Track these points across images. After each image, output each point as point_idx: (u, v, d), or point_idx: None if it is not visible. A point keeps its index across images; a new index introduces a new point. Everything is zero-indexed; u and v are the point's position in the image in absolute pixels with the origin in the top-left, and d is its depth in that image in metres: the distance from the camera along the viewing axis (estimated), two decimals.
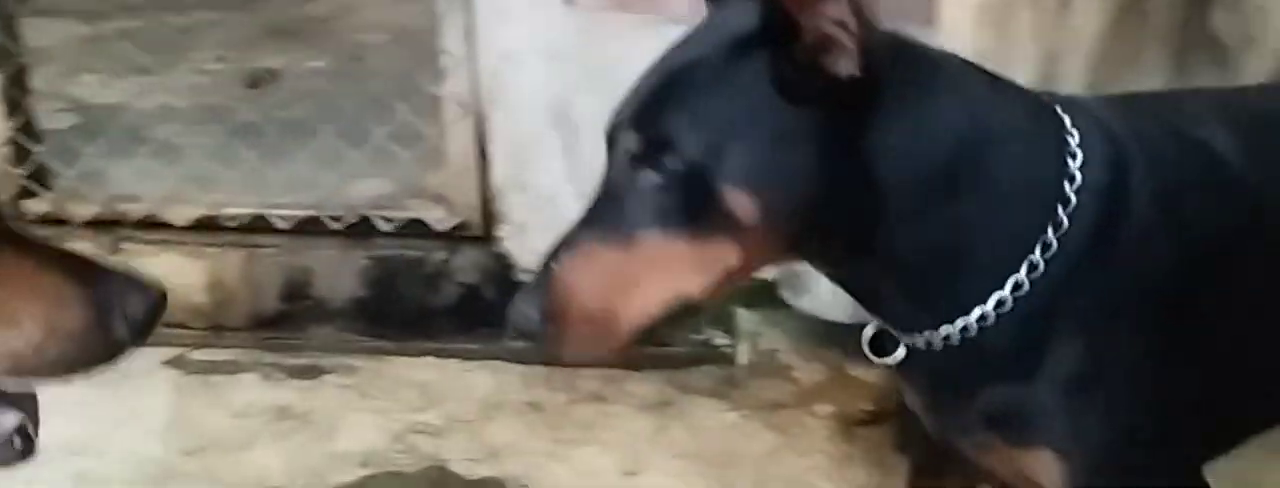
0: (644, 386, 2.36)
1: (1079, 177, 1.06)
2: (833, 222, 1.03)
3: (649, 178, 0.98)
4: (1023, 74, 1.75)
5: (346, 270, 2.57)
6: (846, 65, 0.96)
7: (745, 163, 0.97)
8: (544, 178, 2.46)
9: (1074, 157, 1.07)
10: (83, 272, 0.97)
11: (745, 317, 2.47)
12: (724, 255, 0.97)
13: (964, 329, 1.07)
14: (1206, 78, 1.77)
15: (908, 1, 2.15)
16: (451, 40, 2.36)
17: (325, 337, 2.60)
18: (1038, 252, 1.05)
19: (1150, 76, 1.74)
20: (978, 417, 1.14)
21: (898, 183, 1.02)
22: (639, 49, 2.35)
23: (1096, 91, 1.74)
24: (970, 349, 1.08)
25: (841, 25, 0.95)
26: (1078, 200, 1.06)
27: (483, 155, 2.46)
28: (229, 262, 2.58)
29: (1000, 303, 1.06)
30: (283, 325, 2.61)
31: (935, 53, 1.10)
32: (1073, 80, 1.74)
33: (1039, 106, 1.12)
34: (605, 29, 2.31)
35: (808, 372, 2.25)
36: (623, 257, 0.97)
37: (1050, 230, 1.05)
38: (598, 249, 0.97)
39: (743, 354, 2.38)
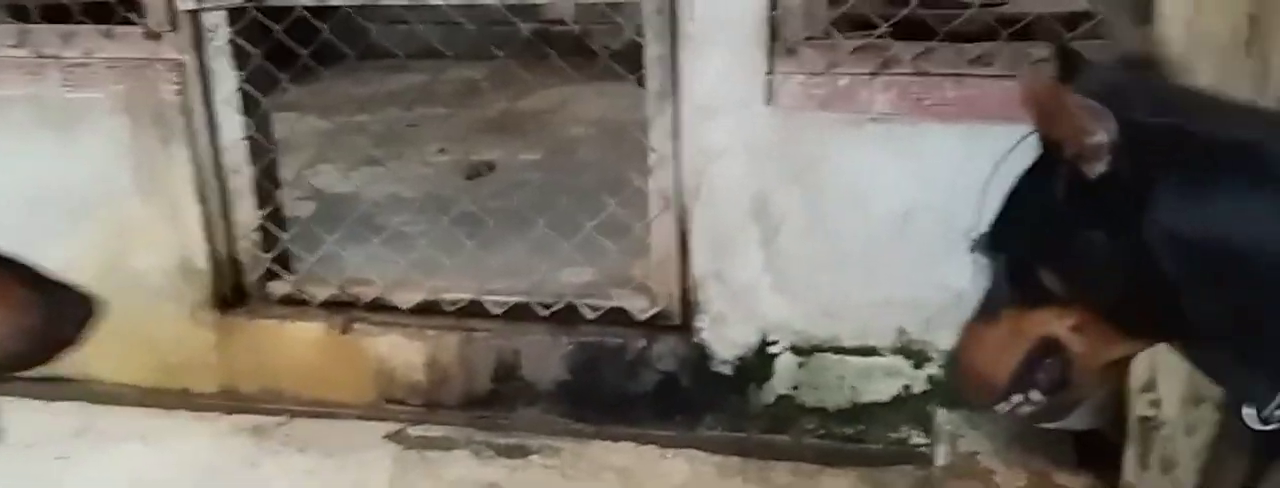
0: (838, 481, 2.35)
1: None
2: (1141, 299, 1.10)
3: (998, 272, 1.24)
4: None
5: (553, 355, 2.69)
6: (1096, 166, 1.07)
7: (1050, 250, 1.14)
8: (742, 271, 2.52)
9: None
10: (35, 280, 1.14)
11: (945, 417, 2.43)
12: (1051, 320, 1.16)
13: None
14: None
15: None
16: (658, 138, 2.47)
17: (531, 418, 2.72)
18: None
19: None
20: None
21: (1181, 266, 1.06)
22: (837, 146, 2.45)
23: None
24: None
25: (1081, 133, 1.05)
26: None
27: (684, 247, 2.54)
28: (446, 343, 2.75)
29: None
30: (493, 405, 2.75)
31: (1216, 139, 1.09)
32: None
33: None
34: (805, 127, 2.37)
35: (1009, 477, 2.19)
36: (989, 328, 1.23)
37: None
38: (976, 324, 1.26)
39: (940, 455, 2.33)
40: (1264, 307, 1.05)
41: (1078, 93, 1.07)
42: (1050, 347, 1.17)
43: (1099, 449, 2.15)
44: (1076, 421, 2.14)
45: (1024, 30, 2.30)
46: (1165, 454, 1.91)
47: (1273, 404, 1.09)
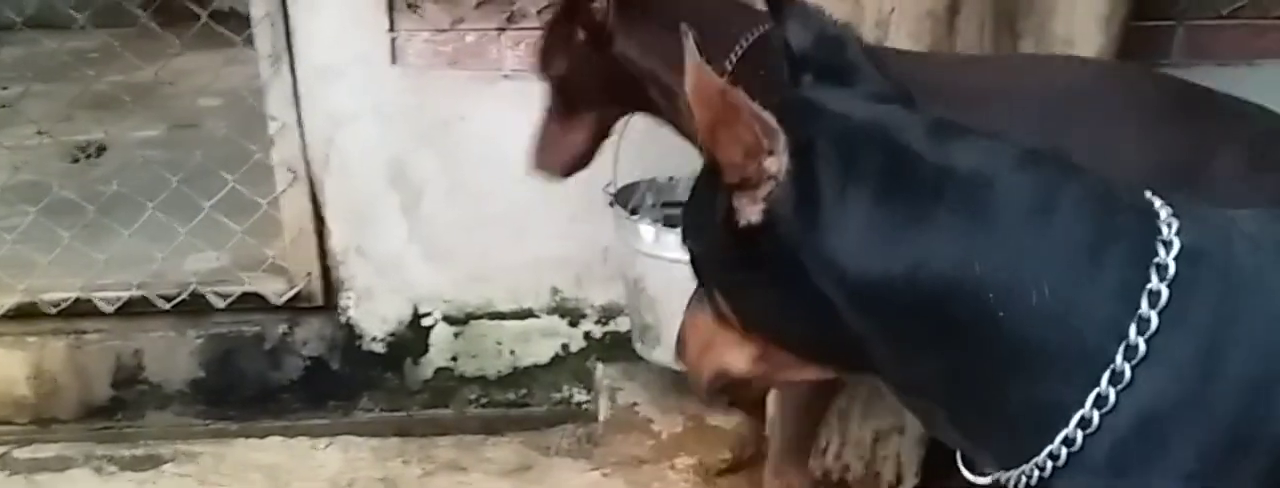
0: (502, 450, 2.29)
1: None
2: (822, 345, 0.94)
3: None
4: None
5: (181, 351, 2.44)
6: (751, 209, 0.87)
7: (717, 277, 0.97)
8: (385, 242, 2.39)
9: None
10: None
11: (604, 371, 2.43)
12: (740, 345, 0.99)
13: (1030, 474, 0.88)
14: None
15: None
16: (277, 105, 2.27)
17: (163, 423, 2.46)
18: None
19: None
20: None
21: (868, 320, 0.88)
22: (471, 105, 2.35)
23: None
24: None
25: (748, 155, 0.85)
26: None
27: (320, 222, 2.37)
28: (52, 350, 2.42)
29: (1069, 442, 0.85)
30: (116, 414, 2.46)
31: (941, 165, 0.87)
32: None
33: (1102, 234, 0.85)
34: (435, 86, 2.27)
35: (666, 424, 2.22)
36: (700, 313, 1.04)
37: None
38: (692, 305, 1.05)
39: (603, 410, 2.33)
40: (975, 370, 0.86)
41: (763, 93, 0.84)
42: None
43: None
44: None
45: None
46: None
47: (990, 474, 0.92)
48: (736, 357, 0.98)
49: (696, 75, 0.84)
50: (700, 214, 0.95)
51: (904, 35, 1.74)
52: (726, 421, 2.22)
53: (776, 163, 0.84)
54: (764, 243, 0.88)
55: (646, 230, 2.12)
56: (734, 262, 0.92)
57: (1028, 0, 1.85)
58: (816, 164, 0.86)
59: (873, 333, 0.88)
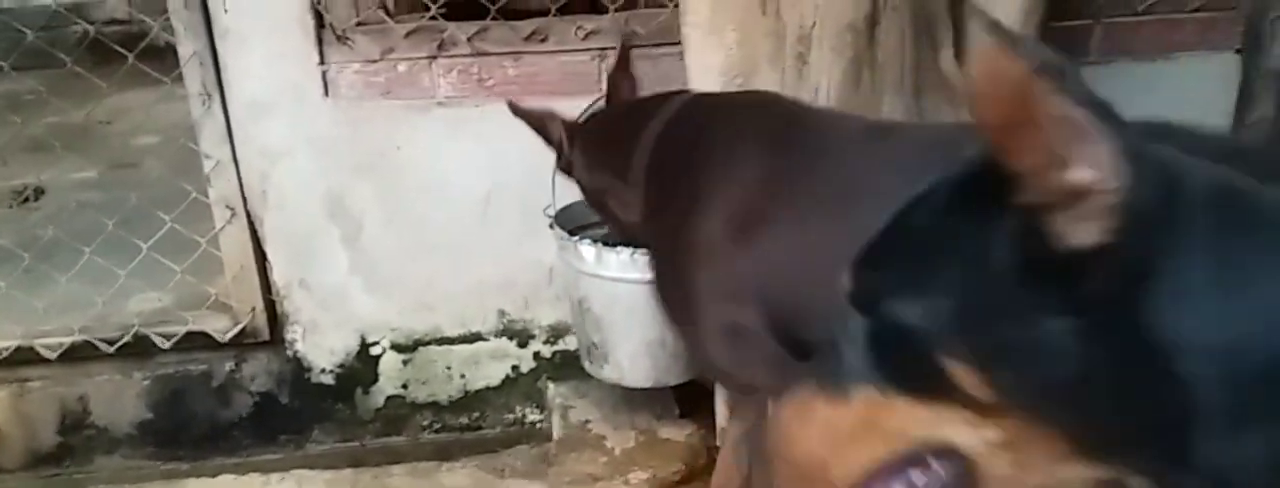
0: (457, 475, 2.30)
1: None
2: (1124, 417, 0.71)
3: (858, 332, 0.80)
4: None
5: (127, 393, 2.42)
6: (1079, 229, 0.67)
7: (972, 334, 0.73)
8: (328, 274, 2.38)
9: None
10: None
11: (555, 390, 2.44)
12: (952, 424, 0.76)
13: None
14: (943, 118, 1.86)
15: (665, 68, 2.21)
16: (210, 142, 2.27)
17: (112, 467, 2.43)
18: None
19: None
20: None
21: (1205, 385, 0.68)
22: (406, 134, 2.36)
23: None
24: None
25: (1058, 164, 0.66)
26: None
27: (261, 257, 2.36)
28: None
29: None
30: (63, 461, 2.43)
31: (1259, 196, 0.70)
32: None
33: None
34: (369, 117, 2.27)
35: (619, 440, 2.24)
36: (829, 405, 0.81)
37: None
38: (807, 395, 0.82)
39: (556, 429, 2.34)
40: None
41: (1066, 93, 0.65)
42: (943, 456, 0.77)
43: (698, 399, 2.25)
44: (672, 375, 2.23)
45: (578, 4, 2.33)
46: None
47: None
48: (963, 437, 0.75)
49: (990, 63, 0.65)
50: (926, 254, 0.76)
51: (827, 49, 1.78)
52: (678, 433, 2.25)
53: (1099, 171, 0.65)
54: (1087, 277, 0.68)
55: (587, 251, 2.13)
56: (1014, 309, 0.71)
57: (946, 9, 1.90)
58: (1162, 175, 0.67)
59: (1210, 401, 0.67)
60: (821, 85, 1.79)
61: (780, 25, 1.80)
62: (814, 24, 1.78)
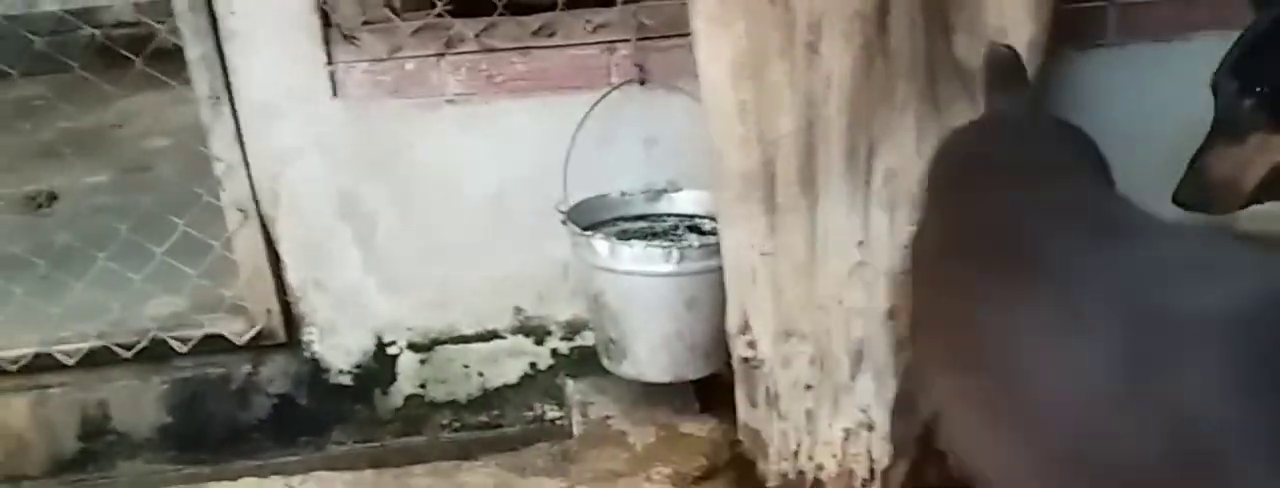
0: (478, 475, 2.28)
1: None
2: None
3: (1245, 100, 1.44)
4: (786, 121, 1.80)
5: (146, 398, 2.42)
6: None
7: None
8: (343, 274, 2.38)
9: None
10: None
11: (574, 387, 2.43)
12: None
13: None
14: (959, 105, 1.84)
15: (674, 60, 2.20)
16: (221, 145, 2.26)
17: (134, 472, 2.44)
18: None
19: (903, 111, 1.80)
20: None
21: None
22: (416, 133, 2.35)
23: (855, 130, 1.80)
24: None
25: None
26: None
27: (275, 259, 2.36)
28: (15, 407, 2.40)
29: None
30: (86, 467, 2.44)
31: None
32: (832, 122, 1.79)
33: None
34: (379, 116, 2.26)
35: (640, 436, 2.23)
36: (1231, 145, 1.43)
37: None
38: (1218, 141, 1.44)
39: (576, 425, 2.33)
40: None
41: None
42: None
43: (718, 394, 2.24)
44: (692, 370, 2.22)
45: None
46: (768, 389, 2.01)
47: None
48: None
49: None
50: None
51: (837, 38, 1.75)
52: (699, 428, 2.23)
53: None
54: None
55: (601, 245, 2.12)
56: None
57: None
58: None
59: None
60: (833, 75, 1.77)
61: (789, 15, 1.78)
62: (823, 13, 1.76)
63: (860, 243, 1.85)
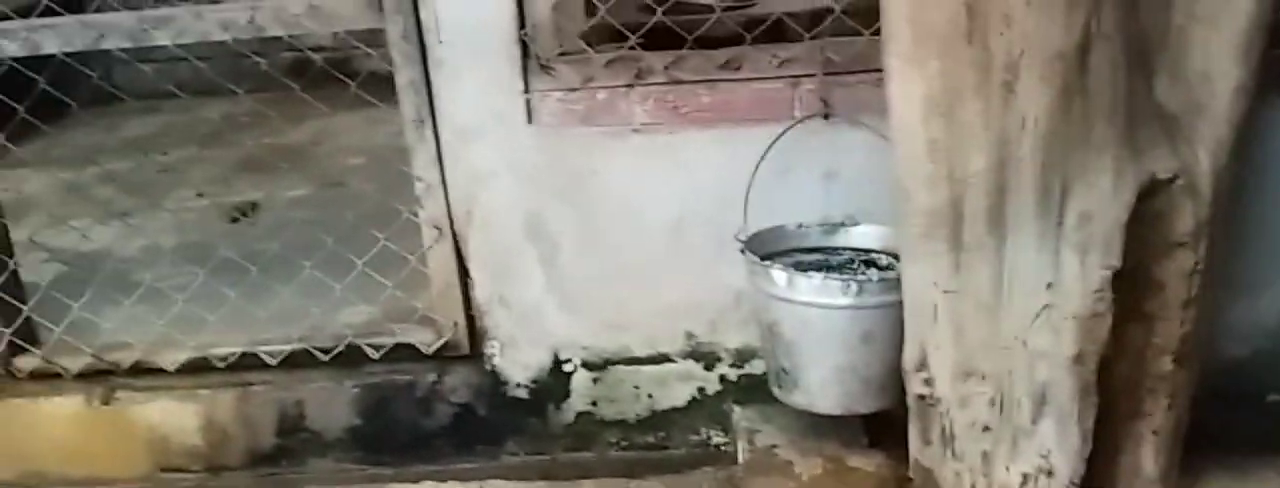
0: None
1: None
2: None
3: None
4: (978, 160, 1.80)
5: (339, 400, 2.58)
6: None
7: None
8: (525, 292, 2.48)
9: None
10: None
11: (741, 414, 2.47)
12: None
13: None
14: (1159, 150, 1.81)
15: (859, 96, 2.22)
16: (422, 166, 2.40)
17: (324, 469, 2.59)
18: None
19: (1101, 153, 1.78)
20: None
21: None
22: (603, 160, 2.44)
23: (1049, 171, 1.79)
24: None
25: None
26: None
27: (464, 275, 2.48)
28: (222, 401, 2.59)
29: None
30: (280, 461, 2.61)
31: None
32: (1026, 162, 1.78)
33: None
34: (569, 143, 2.36)
35: (806, 466, 2.24)
36: None
37: None
38: None
39: (741, 453, 2.37)
40: None
41: None
42: None
43: (888, 429, 2.23)
44: (863, 403, 2.23)
45: (772, 32, 2.36)
46: (944, 428, 2.00)
47: None
48: None
49: None
50: None
51: (1035, 78, 1.75)
52: (867, 462, 2.24)
53: None
54: None
55: (779, 275, 2.16)
56: None
57: (1161, 35, 1.84)
58: None
59: None
60: (1028, 114, 1.76)
61: (986, 55, 1.79)
62: (1021, 52, 1.76)
63: (1049, 285, 1.83)
